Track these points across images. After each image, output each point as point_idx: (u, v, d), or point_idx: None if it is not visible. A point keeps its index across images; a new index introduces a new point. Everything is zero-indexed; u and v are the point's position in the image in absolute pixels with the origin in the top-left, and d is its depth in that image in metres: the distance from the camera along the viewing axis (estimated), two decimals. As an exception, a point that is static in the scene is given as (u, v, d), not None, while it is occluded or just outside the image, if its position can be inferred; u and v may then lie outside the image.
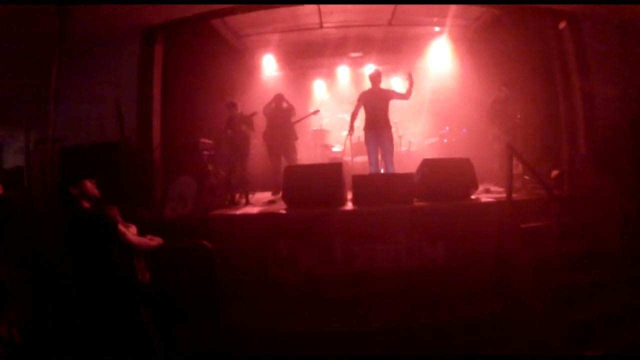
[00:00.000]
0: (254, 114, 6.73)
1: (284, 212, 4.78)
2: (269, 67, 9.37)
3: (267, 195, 6.52)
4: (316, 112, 7.79)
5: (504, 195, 4.66)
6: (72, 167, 4.29)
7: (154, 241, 3.21)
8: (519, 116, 6.29)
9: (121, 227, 2.85)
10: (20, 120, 6.65)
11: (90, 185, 2.91)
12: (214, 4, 5.91)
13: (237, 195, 6.10)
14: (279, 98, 7.12)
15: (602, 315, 3.77)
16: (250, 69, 9.15)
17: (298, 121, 7.37)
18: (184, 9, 5.88)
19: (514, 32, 7.10)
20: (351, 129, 6.32)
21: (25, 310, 3.34)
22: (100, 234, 2.77)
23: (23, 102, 6.36)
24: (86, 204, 2.87)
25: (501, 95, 6.47)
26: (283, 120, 7.02)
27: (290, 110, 7.13)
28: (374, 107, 5.91)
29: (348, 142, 7.71)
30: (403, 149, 8.17)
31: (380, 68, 6.80)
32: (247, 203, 5.77)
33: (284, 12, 7.05)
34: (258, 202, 5.95)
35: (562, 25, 6.20)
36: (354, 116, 6.25)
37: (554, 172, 5.70)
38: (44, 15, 4.31)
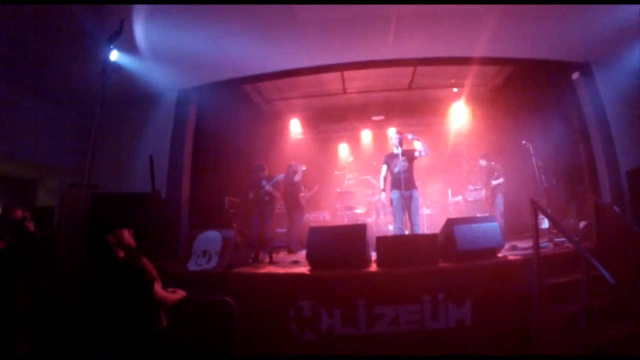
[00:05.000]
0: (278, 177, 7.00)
1: (307, 272, 4.74)
2: (295, 130, 9.78)
3: (290, 255, 6.53)
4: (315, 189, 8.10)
5: (530, 251, 4.51)
6: (103, 213, 4.46)
7: (177, 294, 3.22)
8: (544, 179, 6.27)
9: (156, 285, 2.86)
10: (58, 162, 6.99)
11: (127, 235, 2.95)
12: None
13: (261, 254, 6.12)
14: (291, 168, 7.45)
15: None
16: (278, 132, 9.58)
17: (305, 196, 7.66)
18: (217, 74, 6.38)
19: (530, 87, 7.31)
20: (383, 190, 6.37)
21: (37, 338, 3.36)
22: (134, 287, 2.76)
23: (63, 145, 6.85)
24: (121, 253, 2.89)
25: (482, 165, 7.41)
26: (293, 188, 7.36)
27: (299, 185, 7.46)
28: (398, 169, 6.01)
29: (377, 197, 7.85)
30: (427, 211, 8.12)
31: (400, 131, 7.01)
32: (271, 262, 5.76)
33: (309, 79, 7.49)
34: (281, 261, 5.93)
35: (575, 75, 6.36)
36: (383, 180, 6.33)
37: (582, 223, 5.53)
38: (90, 67, 4.74)
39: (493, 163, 7.32)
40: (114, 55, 4.36)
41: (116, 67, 4.38)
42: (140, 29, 5.01)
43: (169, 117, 6.65)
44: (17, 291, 3.36)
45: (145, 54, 5.43)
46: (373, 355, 3.96)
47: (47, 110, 6.73)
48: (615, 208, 5.25)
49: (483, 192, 7.66)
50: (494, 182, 7.22)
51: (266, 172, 6.88)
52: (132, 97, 6.45)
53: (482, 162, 7.49)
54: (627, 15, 5.09)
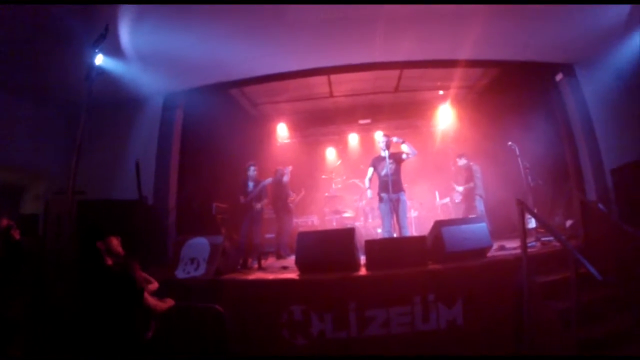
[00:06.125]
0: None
1: (297, 277, 4.71)
2: (282, 134, 9.75)
3: (279, 260, 6.50)
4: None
5: (519, 251, 4.56)
6: (91, 221, 4.36)
7: (166, 303, 3.19)
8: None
9: (146, 293, 2.85)
10: (43, 169, 6.84)
11: (116, 243, 2.94)
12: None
13: (250, 260, 6.06)
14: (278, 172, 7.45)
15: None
16: (265, 136, 9.54)
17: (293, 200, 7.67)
18: (204, 78, 6.32)
19: (515, 88, 7.43)
20: (369, 187, 6.35)
21: (28, 345, 3.30)
22: (125, 294, 2.74)
23: (48, 150, 6.68)
24: (109, 261, 2.86)
25: (459, 164, 7.51)
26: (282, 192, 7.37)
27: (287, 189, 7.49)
28: (385, 171, 6.02)
29: (364, 202, 7.84)
30: (415, 213, 8.13)
31: (387, 134, 7.04)
32: (260, 268, 5.70)
33: (296, 82, 7.50)
34: (270, 266, 5.88)
35: (559, 77, 6.49)
36: (368, 181, 6.31)
37: (569, 222, 5.61)
38: (75, 70, 4.62)
39: (472, 163, 7.38)
40: (99, 59, 4.29)
41: (101, 71, 4.30)
42: (125, 32, 4.96)
43: (155, 122, 6.59)
44: (5, 300, 3.29)
45: (131, 57, 5.37)
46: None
47: (31, 114, 6.58)
48: (601, 206, 5.35)
49: (457, 195, 7.74)
50: (461, 188, 7.34)
51: (256, 173, 6.87)
52: (118, 102, 6.36)
53: (461, 162, 7.50)
54: (609, 16, 5.21)
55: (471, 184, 7.19)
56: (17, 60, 5.31)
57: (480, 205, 7.01)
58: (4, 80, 5.79)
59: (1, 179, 7.06)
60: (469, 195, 7.24)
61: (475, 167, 7.30)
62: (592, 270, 3.42)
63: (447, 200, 8.51)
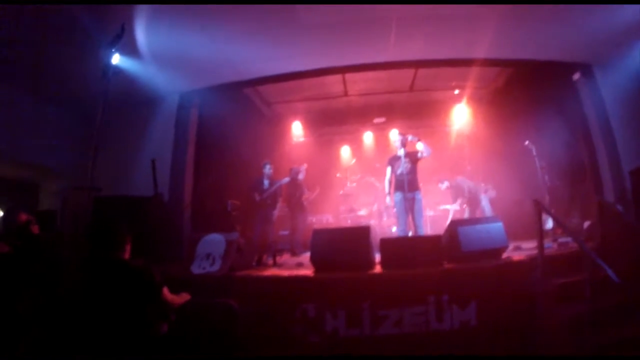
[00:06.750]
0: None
1: (311, 274, 4.72)
2: (297, 133, 9.77)
3: (294, 257, 6.52)
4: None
5: (535, 251, 4.49)
6: (109, 216, 4.42)
7: (182, 298, 3.22)
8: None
9: (165, 288, 2.87)
10: (59, 167, 7.00)
11: (129, 239, 2.97)
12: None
13: (264, 257, 6.10)
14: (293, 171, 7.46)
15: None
16: (280, 135, 9.55)
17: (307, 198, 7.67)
18: (219, 77, 6.38)
19: (531, 88, 7.30)
20: (388, 193, 6.31)
21: (40, 341, 3.35)
22: (144, 289, 2.77)
23: (64, 147, 6.83)
24: (127, 255, 2.90)
25: (443, 188, 7.66)
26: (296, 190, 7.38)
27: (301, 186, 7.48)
28: (401, 170, 6.00)
29: (376, 206, 7.80)
30: (430, 213, 8.07)
31: (403, 132, 6.99)
32: (275, 264, 5.74)
33: (310, 81, 7.50)
34: (285, 263, 5.91)
35: (577, 76, 6.35)
36: (388, 183, 6.26)
37: (586, 223, 5.50)
38: (91, 69, 4.72)
39: (454, 180, 7.38)
40: (116, 59, 4.36)
41: (117, 70, 4.38)
42: (141, 32, 5.03)
43: (170, 120, 6.67)
44: (21, 294, 3.35)
45: (146, 57, 5.45)
46: (377, 356, 3.94)
47: (48, 112, 6.73)
48: (619, 207, 5.23)
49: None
50: (457, 206, 7.27)
51: (271, 172, 6.92)
52: (133, 101, 6.45)
53: (444, 185, 7.56)
54: (628, 16, 5.08)
55: (463, 199, 7.23)
56: (35, 59, 5.43)
57: (485, 203, 6.96)
58: (20, 79, 5.94)
59: (19, 176, 7.26)
60: (469, 204, 7.18)
61: (460, 179, 7.35)
62: (610, 272, 3.34)
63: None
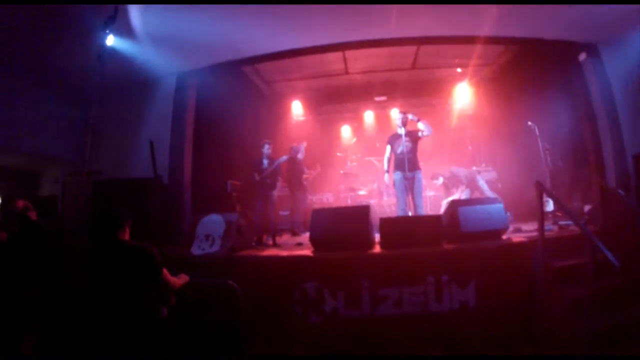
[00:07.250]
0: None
1: (311, 254, 4.74)
2: (297, 112, 9.69)
3: (294, 237, 6.55)
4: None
5: (535, 234, 4.49)
6: (110, 198, 4.41)
7: (181, 279, 3.24)
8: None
9: (165, 269, 2.88)
10: (58, 153, 6.98)
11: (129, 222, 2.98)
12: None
13: (264, 237, 6.12)
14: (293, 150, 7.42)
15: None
16: (280, 114, 9.48)
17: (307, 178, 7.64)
18: (217, 56, 6.25)
19: (535, 67, 7.15)
20: (387, 171, 6.27)
21: (46, 328, 3.39)
22: (145, 270, 2.78)
23: (64, 135, 6.81)
24: (127, 237, 2.92)
25: (438, 184, 7.49)
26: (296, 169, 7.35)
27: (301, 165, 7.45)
28: (401, 149, 5.96)
29: (375, 185, 7.77)
30: (430, 193, 8.08)
31: (404, 111, 6.91)
32: (274, 245, 5.76)
33: (310, 59, 7.38)
34: (285, 243, 5.93)
35: (582, 57, 6.22)
36: (387, 161, 6.22)
37: (587, 207, 5.49)
38: (87, 54, 4.58)
39: (448, 172, 7.29)
40: (110, 40, 4.27)
41: (113, 52, 4.29)
42: (136, 12, 4.90)
43: (168, 101, 6.59)
44: (24, 281, 3.37)
45: (142, 37, 5.33)
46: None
47: (46, 100, 6.66)
48: (621, 192, 5.20)
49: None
50: (457, 195, 7.21)
51: (270, 151, 6.88)
52: (130, 83, 6.37)
53: (438, 181, 7.43)
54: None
55: (463, 186, 7.14)
56: (28, 45, 5.32)
57: (482, 183, 6.94)
58: (15, 66, 5.83)
59: (17, 165, 7.23)
60: (470, 187, 7.15)
61: (453, 169, 7.27)
62: (610, 256, 3.34)
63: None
